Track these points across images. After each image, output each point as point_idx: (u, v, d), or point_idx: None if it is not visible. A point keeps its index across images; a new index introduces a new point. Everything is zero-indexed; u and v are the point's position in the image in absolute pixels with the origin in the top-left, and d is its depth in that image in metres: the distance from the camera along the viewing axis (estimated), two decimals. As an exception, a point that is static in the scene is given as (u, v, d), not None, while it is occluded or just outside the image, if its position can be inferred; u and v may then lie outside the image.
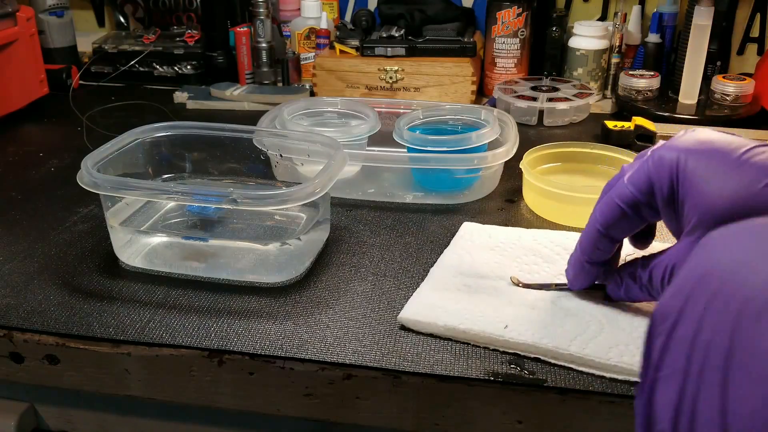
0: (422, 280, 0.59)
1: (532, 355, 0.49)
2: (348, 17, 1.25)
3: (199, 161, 0.74)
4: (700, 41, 0.95)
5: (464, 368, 0.49)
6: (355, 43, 1.07)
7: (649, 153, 0.45)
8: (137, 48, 1.19)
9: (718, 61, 1.07)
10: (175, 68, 1.18)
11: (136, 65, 1.18)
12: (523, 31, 1.08)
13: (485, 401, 0.48)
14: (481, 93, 1.13)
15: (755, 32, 1.15)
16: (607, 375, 0.47)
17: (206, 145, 0.72)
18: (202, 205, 0.65)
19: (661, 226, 0.54)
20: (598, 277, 0.52)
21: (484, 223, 0.67)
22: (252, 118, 0.84)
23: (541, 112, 0.99)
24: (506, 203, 0.75)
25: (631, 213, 0.46)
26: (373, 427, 0.52)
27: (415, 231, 0.68)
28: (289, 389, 0.51)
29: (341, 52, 1.07)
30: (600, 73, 1.09)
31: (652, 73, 1.02)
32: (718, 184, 0.40)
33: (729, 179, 0.40)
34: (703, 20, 0.94)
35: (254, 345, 0.51)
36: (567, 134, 0.97)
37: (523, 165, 0.72)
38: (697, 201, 0.41)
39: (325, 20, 1.13)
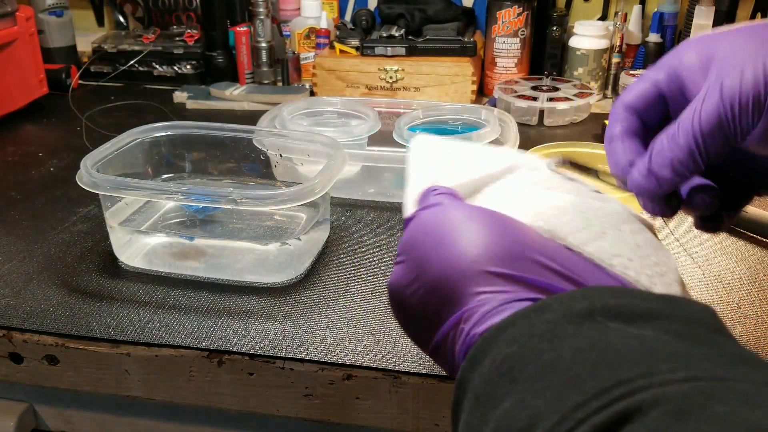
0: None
1: None
2: (348, 17, 1.25)
3: (199, 161, 0.74)
4: (701, 41, 0.95)
5: (464, 368, 0.49)
6: (355, 42, 1.07)
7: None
8: (137, 48, 1.19)
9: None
10: (175, 68, 1.18)
11: (136, 65, 1.18)
12: (523, 31, 1.08)
13: (485, 401, 0.48)
14: (481, 93, 1.13)
15: (755, 32, 1.15)
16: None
17: (206, 145, 0.72)
18: (202, 205, 0.65)
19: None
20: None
21: None
22: (252, 118, 0.84)
23: (541, 112, 0.99)
24: (506, 203, 0.75)
25: (656, 90, 0.39)
26: (373, 427, 0.52)
27: (415, 231, 0.68)
28: (289, 390, 0.51)
29: (341, 51, 1.07)
30: (600, 73, 1.09)
31: (653, 73, 1.02)
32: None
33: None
34: (703, 20, 0.94)
35: (254, 345, 0.51)
36: (567, 134, 0.97)
37: (523, 165, 0.72)
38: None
39: (325, 20, 1.13)
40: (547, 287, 0.30)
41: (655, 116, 0.40)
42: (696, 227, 0.43)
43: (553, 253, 0.32)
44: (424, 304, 0.32)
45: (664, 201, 0.38)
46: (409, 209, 0.40)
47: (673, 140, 0.36)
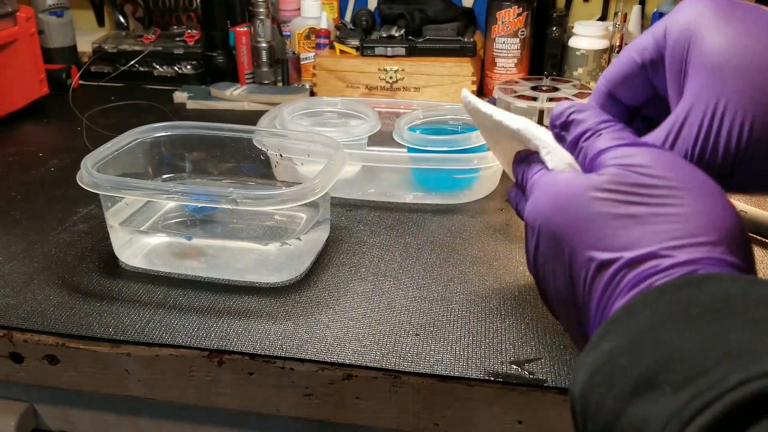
0: (422, 280, 0.59)
1: None
2: (348, 17, 1.25)
3: (199, 161, 0.74)
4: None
5: (464, 368, 0.49)
6: (355, 43, 1.07)
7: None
8: (137, 48, 1.19)
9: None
10: (175, 68, 1.18)
11: (136, 65, 1.18)
12: (523, 31, 1.08)
13: (485, 401, 0.48)
14: (481, 93, 1.13)
15: (755, 32, 1.15)
16: None
17: (206, 145, 0.72)
18: (202, 205, 0.65)
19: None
20: None
21: (484, 223, 0.67)
22: (252, 118, 0.84)
23: (541, 112, 0.99)
24: (506, 203, 0.75)
25: (640, 65, 0.41)
26: (373, 427, 0.52)
27: (415, 231, 0.68)
28: (288, 389, 0.51)
29: (341, 52, 1.07)
30: (600, 73, 1.09)
31: (652, 73, 1.02)
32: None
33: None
34: (703, 20, 0.94)
35: (254, 345, 0.51)
36: (567, 134, 0.97)
37: (523, 165, 0.72)
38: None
39: (325, 20, 1.13)
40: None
41: (632, 91, 0.42)
42: None
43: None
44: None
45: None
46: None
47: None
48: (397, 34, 1.06)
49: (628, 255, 0.30)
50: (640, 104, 0.44)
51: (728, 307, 0.25)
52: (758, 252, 0.65)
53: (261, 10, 1.09)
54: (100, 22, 1.36)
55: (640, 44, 0.41)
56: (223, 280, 0.60)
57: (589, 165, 0.37)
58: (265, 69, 1.13)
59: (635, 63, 0.41)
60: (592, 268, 0.32)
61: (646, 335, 0.26)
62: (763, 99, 0.33)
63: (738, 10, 0.36)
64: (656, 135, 0.37)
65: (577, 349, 0.38)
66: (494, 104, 0.52)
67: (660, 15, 1.11)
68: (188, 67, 1.18)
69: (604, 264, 0.31)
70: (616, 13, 1.08)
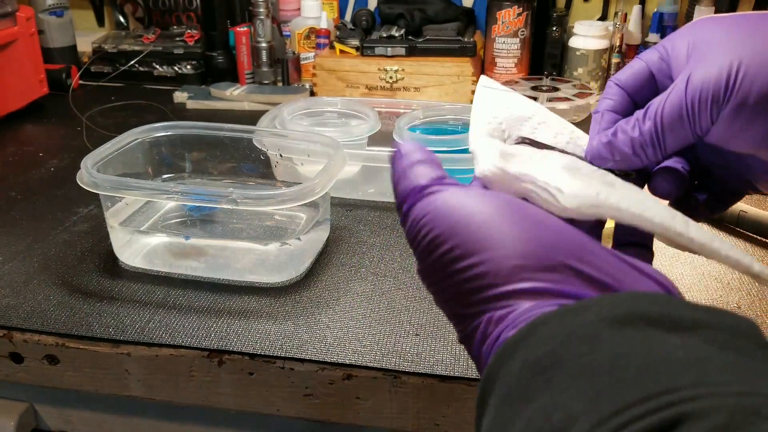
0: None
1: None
2: (348, 17, 1.25)
3: (199, 161, 0.74)
4: (701, 41, 0.95)
5: (464, 368, 0.49)
6: (355, 43, 1.07)
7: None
8: (137, 48, 1.19)
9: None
10: (175, 68, 1.18)
11: (136, 65, 1.18)
12: (523, 31, 1.08)
13: (485, 401, 0.48)
14: (481, 93, 1.13)
15: (755, 32, 1.15)
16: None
17: (206, 145, 0.72)
18: (202, 205, 0.65)
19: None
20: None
21: None
22: (252, 118, 0.84)
23: (541, 112, 0.99)
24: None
25: (648, 71, 0.40)
26: (373, 427, 0.52)
27: (415, 231, 0.68)
28: (289, 389, 0.51)
29: (341, 52, 1.07)
30: (600, 73, 1.09)
31: (652, 73, 1.02)
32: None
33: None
34: (703, 20, 0.93)
35: (254, 345, 0.51)
36: (567, 134, 0.97)
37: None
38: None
39: (325, 20, 1.13)
40: (578, 296, 0.28)
41: (646, 95, 0.40)
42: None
43: (588, 254, 0.29)
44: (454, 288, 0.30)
45: (622, 176, 0.37)
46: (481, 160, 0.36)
47: (638, 124, 0.36)
48: (397, 34, 1.06)
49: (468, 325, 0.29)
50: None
51: (554, 363, 0.24)
52: (758, 252, 0.65)
53: (261, 10, 1.09)
54: (100, 22, 1.36)
55: (647, 54, 0.41)
56: (223, 280, 0.60)
57: None
58: (265, 69, 1.13)
59: (644, 68, 0.41)
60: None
61: (496, 423, 0.25)
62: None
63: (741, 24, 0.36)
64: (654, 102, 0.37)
65: None
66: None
67: (660, 15, 1.11)
68: (188, 67, 1.18)
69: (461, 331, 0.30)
70: (616, 13, 1.08)
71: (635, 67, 0.41)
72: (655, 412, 0.20)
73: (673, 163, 0.39)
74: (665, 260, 0.64)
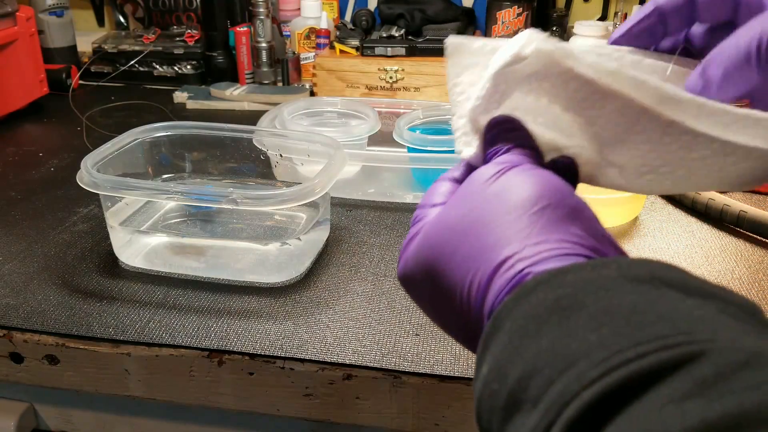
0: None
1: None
2: (348, 17, 1.25)
3: (199, 161, 0.74)
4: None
5: (464, 368, 0.49)
6: (355, 43, 1.07)
7: None
8: (137, 48, 1.19)
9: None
10: (175, 68, 1.18)
11: (136, 65, 1.18)
12: (523, 31, 1.07)
13: (485, 401, 0.48)
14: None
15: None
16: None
17: (206, 145, 0.72)
18: (202, 205, 0.65)
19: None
20: None
21: None
22: (252, 118, 0.84)
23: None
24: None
25: None
26: (373, 427, 0.52)
27: (415, 231, 0.68)
28: (289, 389, 0.51)
29: (341, 52, 1.07)
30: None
31: (652, 73, 1.02)
32: None
33: None
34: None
35: (254, 345, 0.51)
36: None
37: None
38: None
39: (325, 20, 1.13)
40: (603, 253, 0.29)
41: (680, 19, 0.38)
42: None
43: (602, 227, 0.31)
44: (467, 244, 0.31)
45: None
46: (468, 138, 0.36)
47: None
48: (397, 34, 1.06)
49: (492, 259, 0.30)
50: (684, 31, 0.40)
51: (573, 304, 0.24)
52: (758, 252, 0.65)
53: (261, 10, 1.09)
54: (100, 22, 1.36)
55: None
56: (223, 280, 0.60)
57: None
58: (265, 69, 1.13)
59: None
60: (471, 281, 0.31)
61: (506, 351, 0.25)
62: None
63: None
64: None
65: None
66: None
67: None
68: (188, 67, 1.18)
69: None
70: (616, 13, 1.08)
71: None
72: (676, 347, 0.21)
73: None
74: (665, 260, 0.63)
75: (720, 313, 0.23)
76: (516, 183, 0.31)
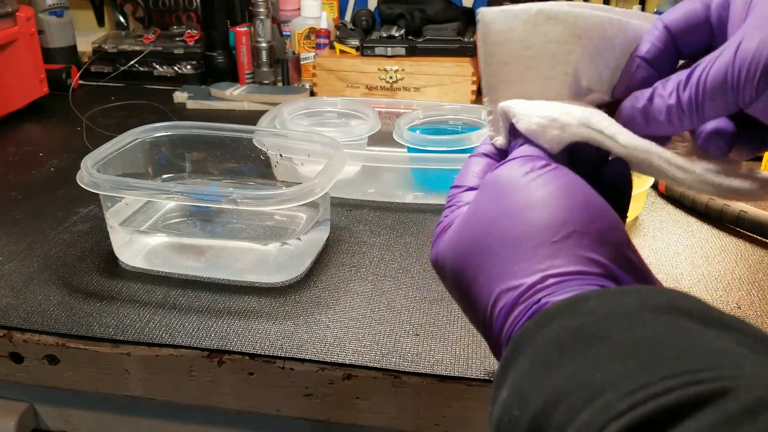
0: (422, 280, 0.59)
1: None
2: (348, 17, 1.25)
3: (199, 161, 0.74)
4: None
5: (464, 368, 0.49)
6: (355, 42, 1.07)
7: None
8: (137, 48, 1.19)
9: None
10: (175, 68, 1.18)
11: (136, 65, 1.18)
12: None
13: (485, 401, 0.48)
14: (481, 93, 1.13)
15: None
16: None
17: (206, 145, 0.72)
18: (202, 205, 0.65)
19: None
20: None
21: None
22: (252, 118, 0.84)
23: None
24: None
25: (705, 10, 0.36)
26: (373, 427, 0.52)
27: (415, 231, 0.68)
28: (289, 389, 0.51)
29: (341, 51, 1.07)
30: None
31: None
32: None
33: None
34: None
35: (254, 345, 0.51)
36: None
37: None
38: None
39: (325, 20, 1.13)
40: (621, 280, 0.29)
41: (694, 41, 0.36)
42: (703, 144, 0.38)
43: (630, 243, 0.31)
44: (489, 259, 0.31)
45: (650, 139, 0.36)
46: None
47: (676, 91, 0.34)
48: (397, 34, 1.06)
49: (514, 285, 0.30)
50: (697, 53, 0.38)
51: (596, 333, 0.24)
52: (758, 252, 0.65)
53: (261, 10, 1.09)
54: (100, 22, 1.36)
55: None
56: (223, 280, 0.60)
57: None
58: (265, 69, 1.13)
59: (700, 8, 0.36)
60: (490, 301, 0.31)
61: (528, 377, 0.25)
62: None
63: None
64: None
65: None
66: None
67: (660, 15, 1.11)
68: (188, 67, 1.18)
69: (500, 295, 0.30)
70: (616, 13, 1.08)
71: (688, 6, 0.36)
72: (703, 383, 0.21)
73: (721, 123, 0.35)
74: (665, 260, 0.64)
75: (738, 345, 0.23)
76: (542, 199, 0.31)
